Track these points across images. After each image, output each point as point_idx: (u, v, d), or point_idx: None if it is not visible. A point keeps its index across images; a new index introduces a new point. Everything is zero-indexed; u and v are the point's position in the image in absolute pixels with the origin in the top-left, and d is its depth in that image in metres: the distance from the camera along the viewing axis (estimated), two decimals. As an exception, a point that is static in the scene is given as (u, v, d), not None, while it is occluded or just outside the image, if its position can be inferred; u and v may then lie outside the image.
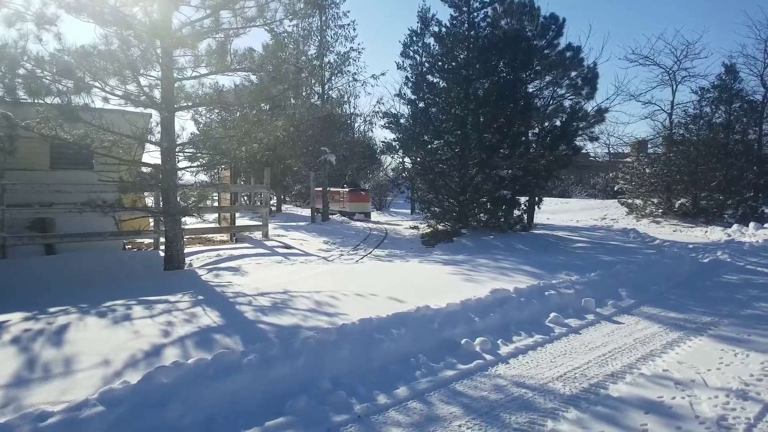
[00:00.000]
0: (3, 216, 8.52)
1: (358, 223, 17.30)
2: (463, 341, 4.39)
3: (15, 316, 5.23)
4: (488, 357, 4.17)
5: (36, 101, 6.98)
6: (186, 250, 9.27)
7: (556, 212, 20.93)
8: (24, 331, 4.70)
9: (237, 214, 15.27)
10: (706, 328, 5.03)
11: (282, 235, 13.52)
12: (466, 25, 12.72)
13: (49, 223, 9.77)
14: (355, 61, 21.42)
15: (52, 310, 5.50)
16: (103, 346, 4.20)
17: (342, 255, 10.52)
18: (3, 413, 2.99)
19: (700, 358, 4.12)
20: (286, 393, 3.31)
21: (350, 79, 21.71)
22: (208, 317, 5.15)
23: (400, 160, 19.89)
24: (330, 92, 21.26)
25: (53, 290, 6.79)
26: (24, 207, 8.85)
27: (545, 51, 14.16)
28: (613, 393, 3.48)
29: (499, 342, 4.52)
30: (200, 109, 17.07)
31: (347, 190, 20.05)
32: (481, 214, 13.09)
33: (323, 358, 3.74)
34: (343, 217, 19.44)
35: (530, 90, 14.21)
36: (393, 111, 14.74)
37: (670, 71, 20.33)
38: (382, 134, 70.50)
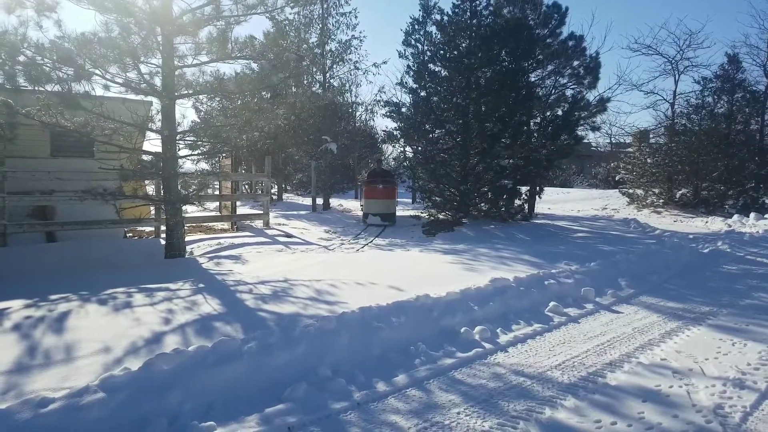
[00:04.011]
0: (4, 203, 8.51)
1: (360, 213, 16.44)
2: (462, 330, 4.41)
3: (16, 303, 5.24)
4: (487, 345, 4.19)
5: (36, 88, 6.94)
6: (187, 239, 9.28)
7: (557, 202, 20.90)
8: (25, 318, 4.72)
9: (238, 203, 15.28)
10: (704, 317, 5.04)
11: (283, 224, 13.53)
12: (468, 14, 12.62)
13: (49, 211, 9.77)
14: (356, 49, 21.26)
15: (52, 297, 5.52)
16: (103, 334, 4.22)
17: (343, 244, 10.54)
18: (4, 399, 3.02)
19: (698, 348, 4.14)
20: (285, 380, 3.33)
21: (352, 67, 21.57)
22: (209, 305, 5.17)
23: (402, 149, 19.88)
24: (331, 81, 21.14)
25: (54, 277, 6.80)
26: (24, 194, 8.83)
27: (548, 40, 14.10)
28: (611, 381, 3.50)
29: (498, 331, 4.54)
30: (201, 97, 17.10)
31: (368, 180, 14.16)
32: (482, 204, 13.08)
33: (323, 345, 3.76)
34: (344, 206, 19.25)
35: (532, 79, 14.15)
36: (394, 100, 14.71)
37: (673, 61, 20.29)
38: (383, 123, 70.37)
